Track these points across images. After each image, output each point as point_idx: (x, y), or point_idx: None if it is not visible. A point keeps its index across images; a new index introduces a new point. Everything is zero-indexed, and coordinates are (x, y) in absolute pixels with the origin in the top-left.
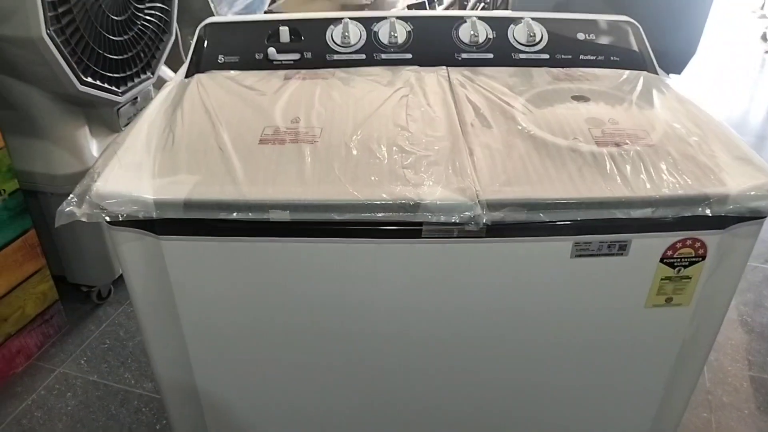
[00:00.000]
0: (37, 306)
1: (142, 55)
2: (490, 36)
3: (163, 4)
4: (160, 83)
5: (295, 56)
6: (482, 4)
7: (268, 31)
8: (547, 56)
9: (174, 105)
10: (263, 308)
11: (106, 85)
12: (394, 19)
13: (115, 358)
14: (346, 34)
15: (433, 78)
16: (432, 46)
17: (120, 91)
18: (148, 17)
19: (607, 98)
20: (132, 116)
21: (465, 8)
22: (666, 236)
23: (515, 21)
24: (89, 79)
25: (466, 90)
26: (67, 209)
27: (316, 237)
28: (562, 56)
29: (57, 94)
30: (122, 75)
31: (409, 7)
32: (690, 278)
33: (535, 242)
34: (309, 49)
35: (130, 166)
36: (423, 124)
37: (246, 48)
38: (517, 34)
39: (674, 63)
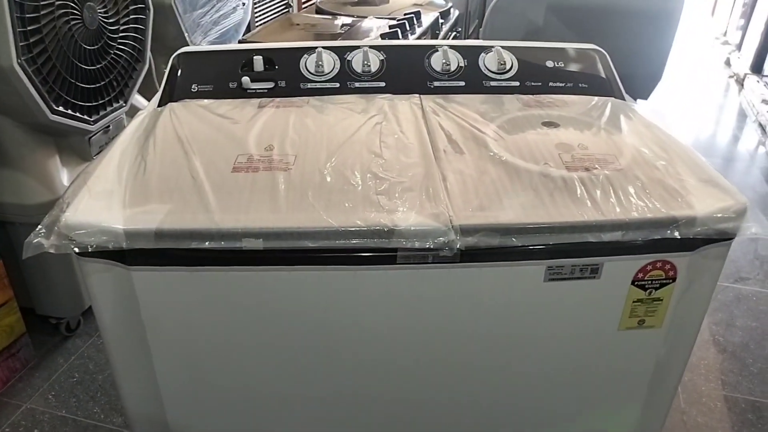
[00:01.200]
0: (3, 339)
1: (114, 83)
2: (462, 64)
3: (136, 33)
4: (134, 112)
5: (269, 85)
6: (454, 33)
7: (242, 60)
8: (517, 83)
9: (146, 133)
10: (237, 339)
11: (77, 114)
12: (367, 48)
13: (84, 392)
14: (320, 63)
15: (406, 105)
16: (405, 74)
17: (92, 120)
18: (121, 46)
19: (577, 124)
20: (104, 145)
21: (437, 38)
22: (636, 259)
23: (486, 49)
24: (60, 108)
25: (438, 117)
26: (35, 240)
27: (290, 265)
28: (532, 83)
29: (27, 123)
30: (94, 104)
31: (383, 36)
32: (661, 300)
33: (509, 267)
34: (283, 77)
35: (101, 195)
36: (396, 150)
37: (220, 77)
38: (488, 62)
39: (641, 88)
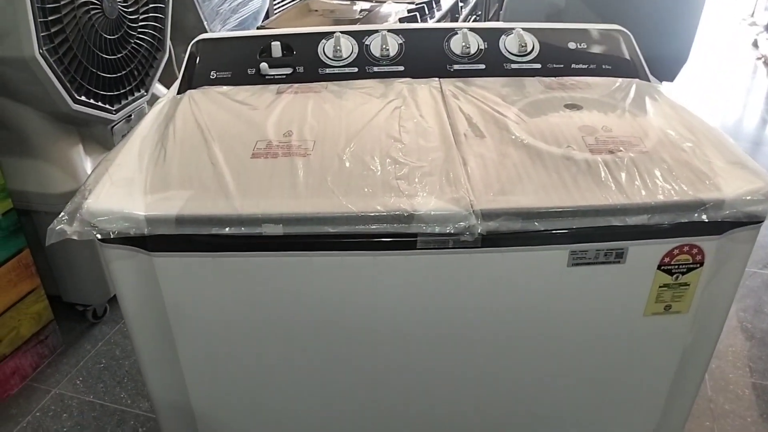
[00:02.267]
0: (32, 326)
1: (135, 72)
2: (482, 47)
3: (156, 22)
4: (155, 100)
5: (288, 71)
6: (474, 17)
7: (260, 46)
8: (539, 66)
9: (166, 121)
10: (258, 324)
11: (99, 104)
12: (386, 32)
13: (112, 378)
14: (338, 47)
15: (426, 89)
16: (424, 58)
17: (114, 109)
18: (141, 35)
19: (600, 106)
20: (126, 133)
21: (457, 21)
22: (663, 243)
23: (506, 32)
24: (83, 98)
25: (458, 101)
26: (58, 227)
27: (310, 250)
28: (554, 65)
29: (50, 113)
30: (116, 93)
31: (401, 20)
32: (688, 285)
33: (531, 251)
34: (301, 63)
35: (122, 183)
36: (416, 135)
37: (238, 63)
38: (509, 44)
39: (666, 70)
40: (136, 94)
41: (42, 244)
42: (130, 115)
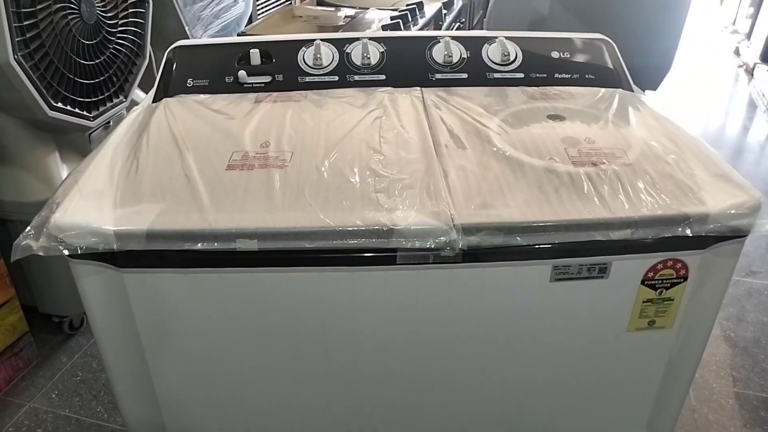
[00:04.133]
0: (5, 338)
1: (114, 78)
2: (464, 56)
3: (136, 27)
4: (134, 107)
5: (266, 79)
6: (458, 24)
7: (238, 54)
8: (521, 75)
9: (140, 130)
10: (233, 342)
11: (76, 110)
12: (367, 40)
13: (88, 392)
14: (318, 55)
15: (407, 99)
16: (405, 66)
17: (91, 115)
18: (120, 40)
19: (583, 117)
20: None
21: (440, 29)
22: (646, 257)
23: (489, 40)
24: (59, 105)
25: (440, 111)
26: (24, 243)
27: (286, 266)
28: (537, 75)
29: (26, 119)
30: (94, 99)
31: (384, 27)
32: (672, 300)
33: (513, 266)
34: (280, 71)
35: (91, 195)
36: (397, 146)
37: (216, 71)
38: (492, 53)
39: (650, 79)
40: (115, 101)
41: None
42: (109, 122)
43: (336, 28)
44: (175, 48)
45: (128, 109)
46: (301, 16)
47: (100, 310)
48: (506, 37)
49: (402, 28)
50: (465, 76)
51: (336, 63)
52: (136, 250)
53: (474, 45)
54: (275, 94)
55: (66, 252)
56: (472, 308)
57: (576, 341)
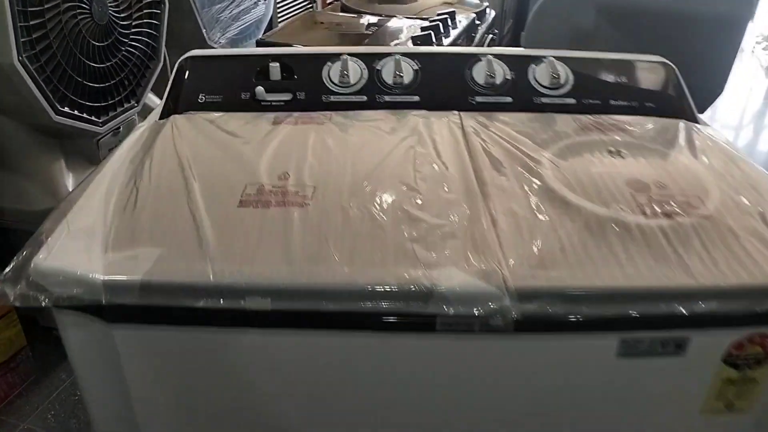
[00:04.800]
0: (2, 353)
1: (126, 82)
2: (509, 77)
3: (150, 29)
4: (147, 112)
5: (287, 96)
6: (491, 36)
7: (256, 67)
8: (573, 101)
9: (143, 152)
10: (237, 411)
11: (84, 115)
12: (399, 56)
13: (86, 413)
14: (345, 72)
15: (444, 125)
16: (442, 87)
17: (100, 121)
18: (134, 43)
19: (648, 154)
20: (113, 147)
21: (473, 41)
22: (731, 332)
23: (536, 60)
24: (66, 109)
25: (482, 140)
26: None
27: (303, 328)
28: (590, 101)
29: (30, 124)
30: (103, 104)
31: (414, 40)
32: (756, 382)
33: (574, 339)
34: (302, 88)
35: (80, 233)
36: (434, 182)
37: (231, 86)
38: (539, 75)
39: (699, 102)
40: (126, 106)
41: None
42: (119, 128)
43: (359, 36)
44: (186, 59)
45: (141, 114)
46: (322, 22)
47: (86, 364)
48: (555, 57)
49: (433, 40)
50: (509, 100)
51: (365, 81)
52: (127, 304)
53: (519, 65)
54: (296, 114)
55: (46, 303)
56: (524, 385)
57: (638, 422)
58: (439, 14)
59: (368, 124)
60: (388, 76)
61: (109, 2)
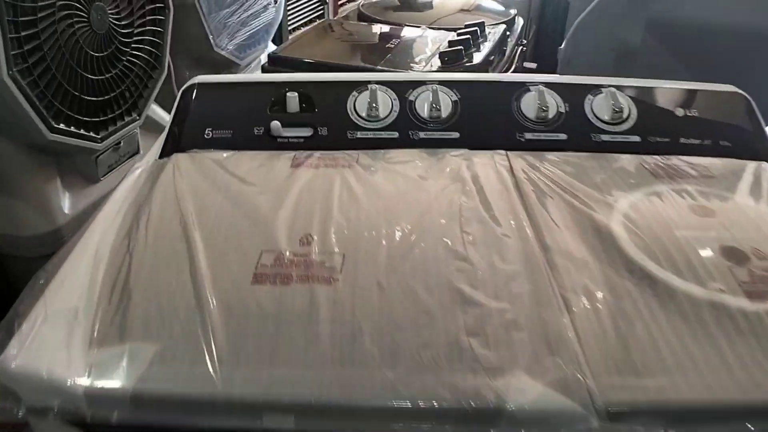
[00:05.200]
0: None
1: (127, 94)
2: (562, 109)
3: (153, 36)
4: (149, 124)
5: (307, 132)
6: (521, 48)
7: (271, 97)
8: (637, 139)
9: (138, 204)
10: None
11: (81, 131)
12: (436, 85)
13: None
14: (374, 104)
15: (491, 168)
16: (486, 121)
17: (99, 136)
18: (136, 52)
19: (737, 211)
20: (113, 164)
21: (504, 54)
22: None
23: (594, 90)
24: (61, 126)
25: (537, 189)
26: None
27: None
28: (658, 139)
29: (22, 143)
30: (102, 118)
31: (443, 57)
32: None
33: None
34: (325, 122)
35: (61, 319)
36: (487, 248)
37: (242, 119)
38: (598, 107)
39: None
40: (127, 119)
41: (12, 291)
42: (119, 143)
43: (372, 47)
44: (190, 86)
45: (144, 128)
46: (334, 31)
47: None
48: (616, 86)
49: (463, 57)
50: (563, 137)
51: (396, 114)
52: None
53: (575, 95)
54: (318, 154)
55: (20, 415)
56: None
57: None
58: (467, 25)
59: (401, 167)
60: (423, 109)
61: (110, 9)
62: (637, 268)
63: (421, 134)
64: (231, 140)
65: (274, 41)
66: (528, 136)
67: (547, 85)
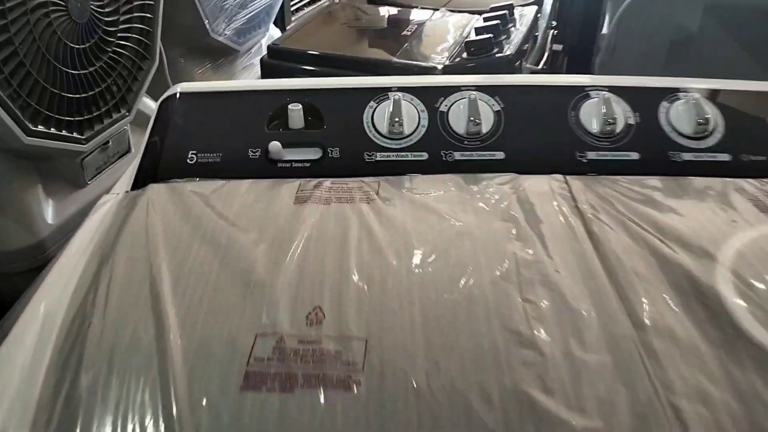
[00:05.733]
0: None
1: (114, 88)
2: (632, 120)
3: (142, 23)
4: (140, 119)
5: (314, 155)
6: (552, 32)
7: (269, 109)
8: (727, 157)
9: (101, 255)
10: None
11: (63, 132)
12: (474, 92)
13: None
14: (397, 117)
15: (549, 201)
16: (537, 138)
17: (84, 137)
18: (122, 41)
19: None
20: (102, 165)
21: (536, 41)
22: None
23: (669, 95)
24: (40, 128)
25: (613, 231)
26: None
27: None
28: (752, 158)
29: None
30: (87, 117)
31: (470, 46)
32: None
33: None
34: (336, 141)
35: None
36: (559, 327)
37: (234, 139)
38: (676, 117)
39: None
40: (115, 116)
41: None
42: (107, 142)
43: (386, 35)
44: (170, 98)
45: (135, 123)
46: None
47: None
48: (698, 89)
49: (493, 46)
50: (635, 156)
51: (424, 130)
52: None
53: (646, 102)
54: (328, 182)
55: None
56: None
57: None
58: (494, 8)
59: (434, 200)
60: (458, 123)
61: None
62: (764, 356)
63: (456, 155)
64: (220, 166)
65: (275, 24)
66: (591, 155)
67: (612, 89)
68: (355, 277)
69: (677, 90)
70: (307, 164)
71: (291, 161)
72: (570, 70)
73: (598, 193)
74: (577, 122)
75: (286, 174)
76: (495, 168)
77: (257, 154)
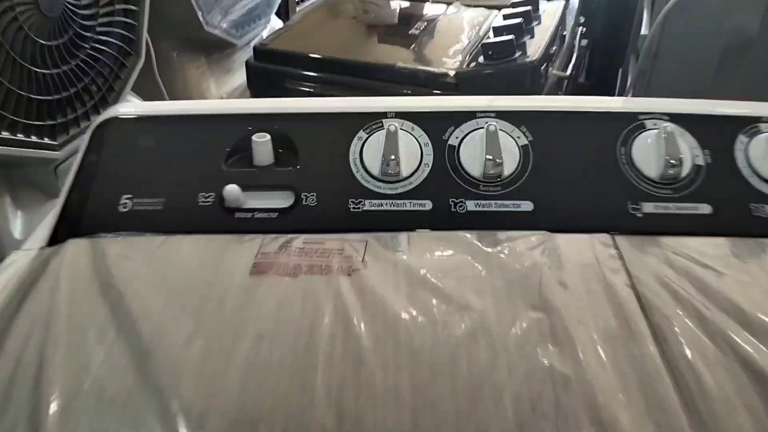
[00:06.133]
0: None
1: (93, 88)
2: (701, 161)
3: (126, 17)
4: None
5: (284, 201)
6: (581, 29)
7: (226, 140)
8: None
9: None
10: None
11: (33, 139)
12: (494, 120)
13: None
14: (393, 155)
15: (594, 274)
16: (576, 182)
17: (57, 143)
18: (102, 37)
19: None
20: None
21: (564, 41)
22: None
23: (747, 127)
24: (5, 135)
25: (683, 325)
26: None
27: None
28: None
29: None
30: (61, 120)
31: (487, 48)
32: None
33: None
34: (313, 184)
35: None
36: None
37: (181, 180)
38: (759, 156)
39: None
40: (94, 118)
41: None
42: None
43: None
44: (103, 124)
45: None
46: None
47: None
48: None
49: (514, 50)
50: (707, 209)
51: (428, 169)
52: None
53: (718, 136)
54: (299, 241)
55: None
56: None
57: None
58: (515, 3)
59: (438, 272)
60: (472, 161)
61: None
62: None
63: (470, 205)
64: (161, 216)
65: (278, 15)
66: (648, 208)
67: (674, 117)
68: (321, 409)
69: (759, 120)
70: (274, 214)
71: (253, 210)
72: (598, 77)
73: (660, 265)
74: (629, 162)
75: (246, 228)
76: (522, 224)
77: (209, 200)
